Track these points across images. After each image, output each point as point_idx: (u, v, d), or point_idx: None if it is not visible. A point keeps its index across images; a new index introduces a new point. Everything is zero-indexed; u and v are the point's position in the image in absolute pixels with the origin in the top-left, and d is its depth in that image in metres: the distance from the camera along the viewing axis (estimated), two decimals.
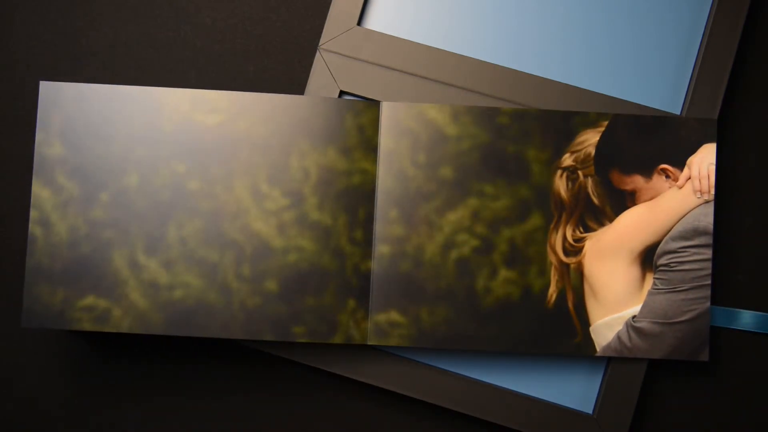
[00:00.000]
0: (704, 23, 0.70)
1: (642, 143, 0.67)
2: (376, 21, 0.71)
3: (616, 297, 0.66)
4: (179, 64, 0.72)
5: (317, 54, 0.70)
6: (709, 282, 0.66)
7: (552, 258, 0.66)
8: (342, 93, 0.70)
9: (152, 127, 0.66)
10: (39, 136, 0.65)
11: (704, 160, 0.66)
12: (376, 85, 0.69)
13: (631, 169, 0.67)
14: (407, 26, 0.71)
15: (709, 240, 0.66)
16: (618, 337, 0.66)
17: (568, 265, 0.66)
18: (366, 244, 0.66)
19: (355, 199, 0.66)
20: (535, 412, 0.67)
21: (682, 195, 0.66)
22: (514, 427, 0.67)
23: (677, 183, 0.66)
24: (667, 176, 0.66)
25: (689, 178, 0.66)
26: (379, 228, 0.67)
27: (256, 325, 0.66)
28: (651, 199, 0.66)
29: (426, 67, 0.69)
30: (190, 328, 0.65)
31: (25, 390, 0.70)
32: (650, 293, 0.66)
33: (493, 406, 0.67)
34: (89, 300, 0.65)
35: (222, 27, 0.72)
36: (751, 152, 0.71)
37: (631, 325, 0.66)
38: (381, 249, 0.66)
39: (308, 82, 0.69)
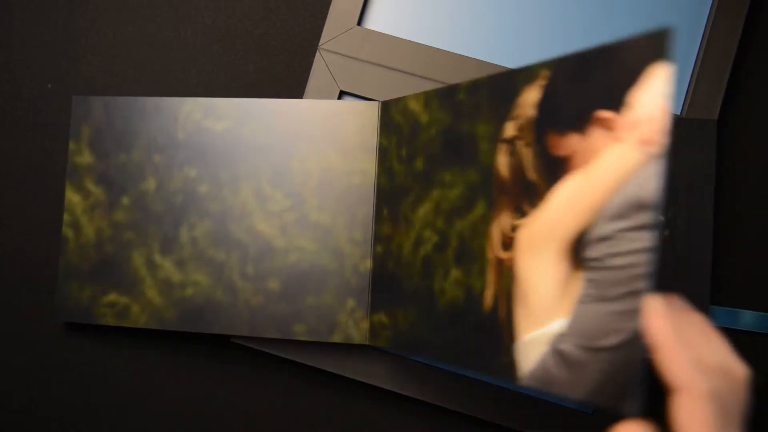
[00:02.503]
0: (704, 23, 0.70)
1: (582, 89, 0.46)
2: (376, 21, 0.71)
3: (542, 304, 0.47)
4: (179, 64, 0.72)
5: (317, 54, 0.70)
6: (644, 287, 0.42)
7: (490, 253, 0.52)
8: (342, 93, 0.70)
9: (168, 135, 0.68)
10: (71, 146, 0.69)
11: (652, 93, 0.43)
12: (376, 85, 0.69)
13: (565, 127, 0.47)
14: (407, 26, 0.71)
15: (650, 218, 0.42)
16: (542, 361, 0.47)
17: (503, 262, 0.51)
18: (365, 243, 0.67)
19: (355, 199, 0.67)
20: (535, 412, 0.67)
21: (623, 152, 0.44)
22: (514, 427, 0.67)
23: (615, 135, 0.44)
24: (609, 129, 0.45)
25: (633, 125, 0.43)
26: (375, 227, 0.67)
27: (258, 323, 0.66)
28: (587, 164, 0.46)
29: (426, 67, 0.69)
30: (200, 324, 0.66)
31: (25, 390, 0.70)
32: (580, 301, 0.46)
33: (493, 406, 0.67)
34: (112, 297, 0.68)
35: (222, 27, 0.72)
36: (751, 152, 0.71)
37: (555, 347, 0.46)
38: (377, 248, 0.67)
39: (308, 82, 0.69)
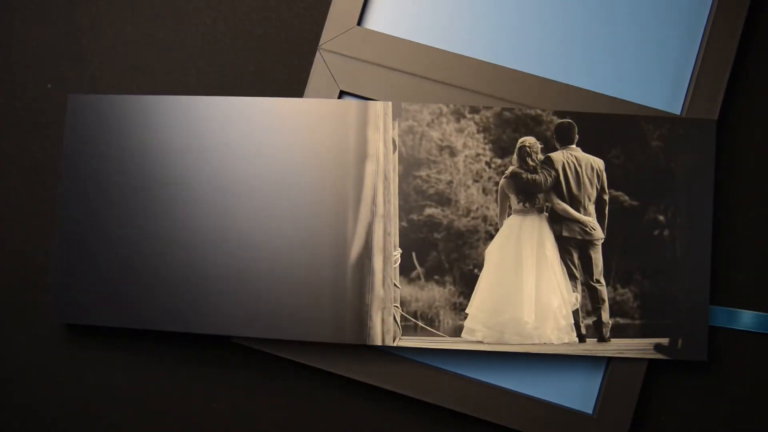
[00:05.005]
0: (704, 23, 0.70)
1: None
2: (376, 21, 0.71)
3: None
4: (179, 64, 0.72)
5: (317, 54, 0.70)
6: None
7: None
8: (342, 93, 0.70)
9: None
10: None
11: None
12: (376, 85, 0.69)
13: None
14: (407, 26, 0.71)
15: None
16: None
17: None
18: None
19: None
20: (535, 412, 0.67)
21: None
22: (514, 427, 0.67)
23: None
24: None
25: None
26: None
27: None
28: None
29: (426, 67, 0.69)
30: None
31: (25, 390, 0.70)
32: None
33: (493, 406, 0.67)
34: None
35: (222, 27, 0.72)
36: (750, 153, 0.71)
37: None
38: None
39: (308, 82, 0.69)
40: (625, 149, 0.68)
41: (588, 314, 0.68)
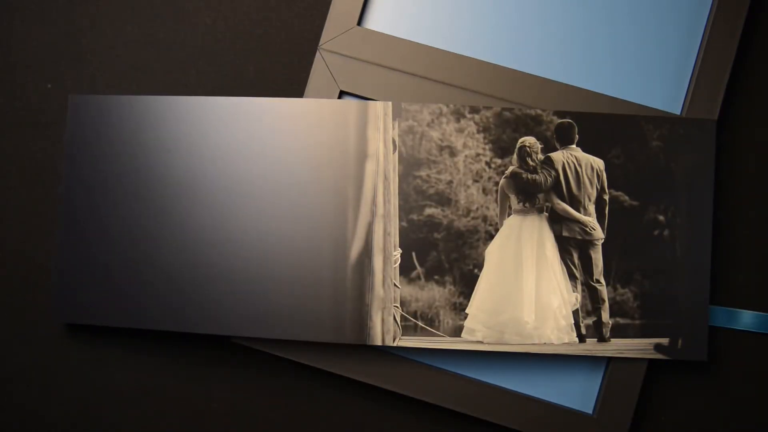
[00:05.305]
0: (704, 23, 0.70)
1: None
2: (376, 21, 0.71)
3: None
4: (179, 64, 0.72)
5: (317, 54, 0.70)
6: None
7: None
8: (342, 93, 0.70)
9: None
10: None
11: None
12: (376, 85, 0.69)
13: None
14: (407, 26, 0.71)
15: None
16: None
17: None
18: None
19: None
20: (535, 412, 0.67)
21: None
22: (514, 427, 0.67)
23: None
24: None
25: None
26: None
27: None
28: None
29: (426, 67, 0.69)
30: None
31: (26, 390, 0.70)
32: None
33: (493, 406, 0.67)
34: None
35: (222, 27, 0.72)
36: (750, 153, 0.71)
37: None
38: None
39: (308, 82, 0.69)
40: (625, 149, 0.68)
41: (588, 314, 0.68)
